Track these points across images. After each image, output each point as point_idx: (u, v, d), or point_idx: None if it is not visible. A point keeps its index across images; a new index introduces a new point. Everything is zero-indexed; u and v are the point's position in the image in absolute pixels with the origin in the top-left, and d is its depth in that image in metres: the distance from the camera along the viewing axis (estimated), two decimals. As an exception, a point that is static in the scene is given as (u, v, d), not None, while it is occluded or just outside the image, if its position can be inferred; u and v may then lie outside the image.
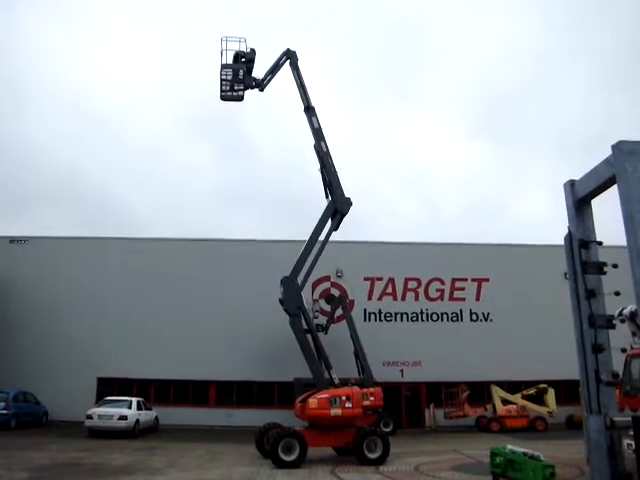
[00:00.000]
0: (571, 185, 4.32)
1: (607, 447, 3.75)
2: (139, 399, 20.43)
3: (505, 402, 22.88)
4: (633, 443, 8.22)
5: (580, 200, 4.23)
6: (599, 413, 3.82)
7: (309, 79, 17.90)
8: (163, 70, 69.34)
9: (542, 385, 23.31)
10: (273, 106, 73.64)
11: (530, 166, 69.24)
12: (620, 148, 3.64)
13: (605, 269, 4.04)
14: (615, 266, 4.12)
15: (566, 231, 4.24)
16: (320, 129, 17.26)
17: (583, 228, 4.22)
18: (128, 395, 21.22)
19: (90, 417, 18.64)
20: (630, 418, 3.85)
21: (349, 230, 17.55)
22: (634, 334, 9.67)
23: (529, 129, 69.91)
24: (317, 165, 17.10)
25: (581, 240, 4.09)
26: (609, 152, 3.63)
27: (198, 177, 66.14)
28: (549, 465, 9.52)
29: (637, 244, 3.56)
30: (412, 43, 73.36)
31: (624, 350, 4.40)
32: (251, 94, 18.47)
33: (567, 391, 24.23)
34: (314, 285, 25.06)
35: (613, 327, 4.02)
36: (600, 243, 4.16)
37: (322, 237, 16.19)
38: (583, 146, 68.32)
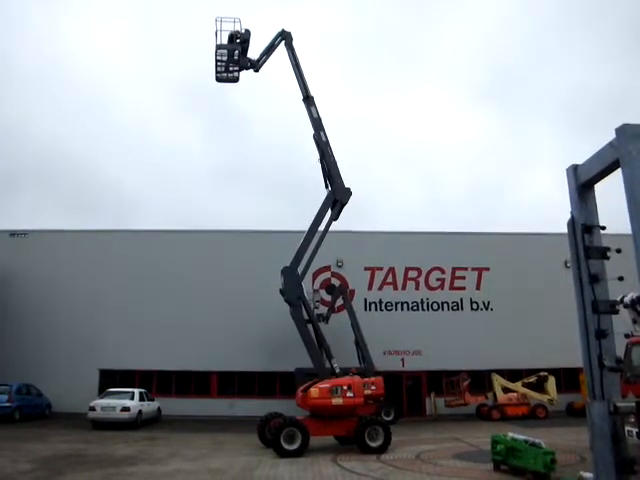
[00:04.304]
0: (574, 169, 4.31)
1: (611, 433, 3.76)
2: (141, 390, 20.53)
3: (506, 390, 22.93)
4: (634, 430, 8.21)
5: (583, 185, 4.24)
6: (602, 399, 3.83)
7: (303, 57, 17.75)
8: (152, 46, 67.99)
9: (542, 373, 23.36)
10: (269, 87, 72.42)
11: (537, 143, 67.87)
12: (624, 131, 3.65)
13: (608, 254, 4.05)
14: (619, 251, 4.11)
15: (569, 216, 4.25)
16: (319, 119, 17.14)
17: (586, 213, 4.22)
18: (130, 386, 21.31)
19: (93, 409, 18.72)
20: (634, 403, 3.86)
21: (349, 216, 17.44)
22: (635, 322, 9.65)
23: (537, 102, 68.21)
24: (317, 154, 17.04)
25: (584, 225, 4.10)
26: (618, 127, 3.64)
27: (191, 157, 65.48)
28: (549, 452, 9.58)
29: (642, 228, 3.56)
30: (413, 6, 70.75)
31: (628, 335, 4.40)
32: (246, 75, 18.34)
33: (567, 379, 24.35)
34: (314, 275, 25.06)
35: (616, 312, 4.03)
36: (603, 227, 4.16)
37: (322, 227, 16.17)
38: (592, 121, 67.06)
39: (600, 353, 3.89)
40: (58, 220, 60.29)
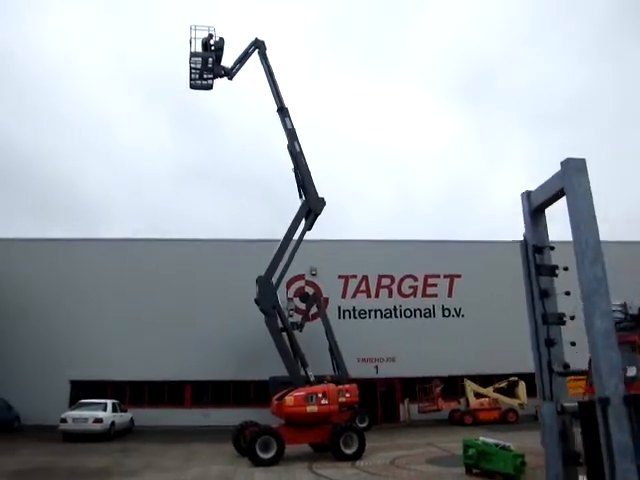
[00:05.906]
0: (527, 195, 4.75)
1: (559, 431, 4.15)
2: (114, 401, 20.29)
3: (477, 395, 23.38)
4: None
5: (535, 209, 4.67)
6: (551, 400, 4.22)
7: (271, 58, 18.13)
8: (122, 48, 66.92)
9: (513, 378, 23.78)
10: (244, 91, 72.08)
11: (509, 151, 69.19)
12: (568, 164, 4.09)
13: (557, 271, 4.46)
14: (566, 269, 4.51)
15: (522, 238, 4.67)
16: (293, 130, 17.41)
17: (537, 235, 4.65)
18: (102, 398, 21.03)
19: (64, 420, 18.41)
20: (577, 403, 4.28)
21: (323, 224, 17.74)
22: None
23: (508, 106, 69.27)
24: (291, 165, 17.31)
25: (535, 246, 4.52)
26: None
27: (157, 160, 64.74)
28: (519, 455, 9.96)
29: (582, 249, 3.98)
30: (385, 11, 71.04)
31: (573, 344, 4.86)
32: (220, 82, 18.58)
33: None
34: (289, 284, 25.15)
35: (564, 323, 4.44)
36: (552, 248, 4.57)
37: (296, 236, 16.40)
38: (562, 122, 68.59)
39: (549, 359, 4.28)
40: (15, 226, 58.57)
